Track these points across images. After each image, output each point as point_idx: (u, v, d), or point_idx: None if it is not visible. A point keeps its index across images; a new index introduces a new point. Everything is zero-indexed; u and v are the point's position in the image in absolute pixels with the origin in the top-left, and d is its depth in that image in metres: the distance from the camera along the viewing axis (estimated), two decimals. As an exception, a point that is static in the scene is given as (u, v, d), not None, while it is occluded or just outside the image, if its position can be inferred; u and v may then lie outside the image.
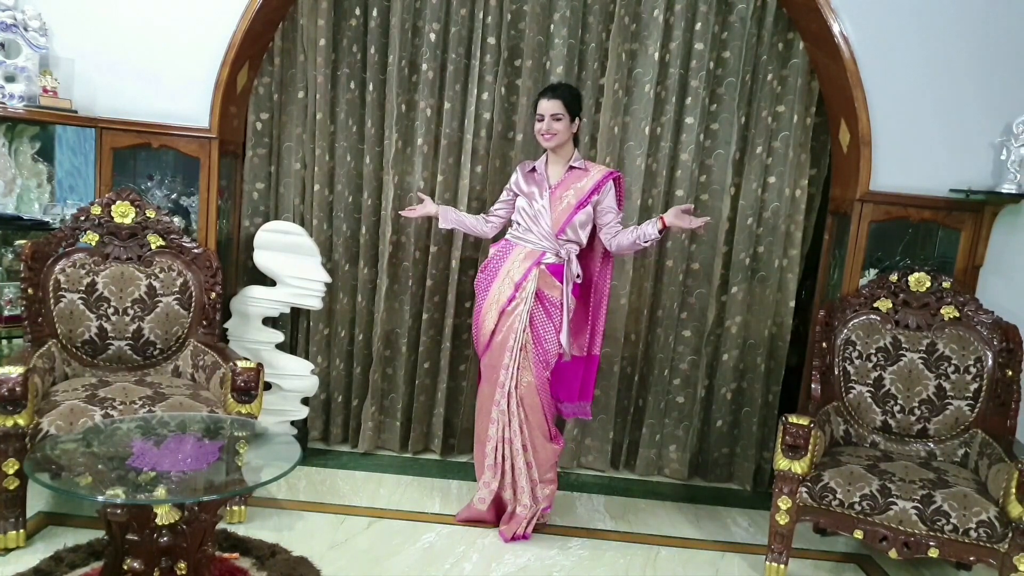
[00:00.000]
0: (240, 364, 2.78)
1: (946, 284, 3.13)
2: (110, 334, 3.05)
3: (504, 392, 2.96)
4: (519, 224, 3.06)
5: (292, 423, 3.56)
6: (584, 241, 3.03)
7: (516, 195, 3.11)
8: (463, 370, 3.81)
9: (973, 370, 3.03)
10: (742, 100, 3.59)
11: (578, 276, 3.03)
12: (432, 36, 3.54)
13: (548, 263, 2.98)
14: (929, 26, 3.25)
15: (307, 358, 3.67)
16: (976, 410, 3.01)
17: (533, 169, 3.10)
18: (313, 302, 3.53)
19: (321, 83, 3.55)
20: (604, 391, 3.77)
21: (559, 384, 3.11)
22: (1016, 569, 2.50)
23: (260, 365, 2.85)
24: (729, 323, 3.74)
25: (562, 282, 2.98)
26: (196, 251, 3.23)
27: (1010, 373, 2.97)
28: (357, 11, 3.57)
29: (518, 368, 2.96)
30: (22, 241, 3.21)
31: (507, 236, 3.10)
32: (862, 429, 3.13)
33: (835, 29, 3.25)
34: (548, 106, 2.94)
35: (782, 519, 2.78)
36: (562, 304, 2.96)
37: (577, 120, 3.00)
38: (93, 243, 3.10)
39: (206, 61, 3.31)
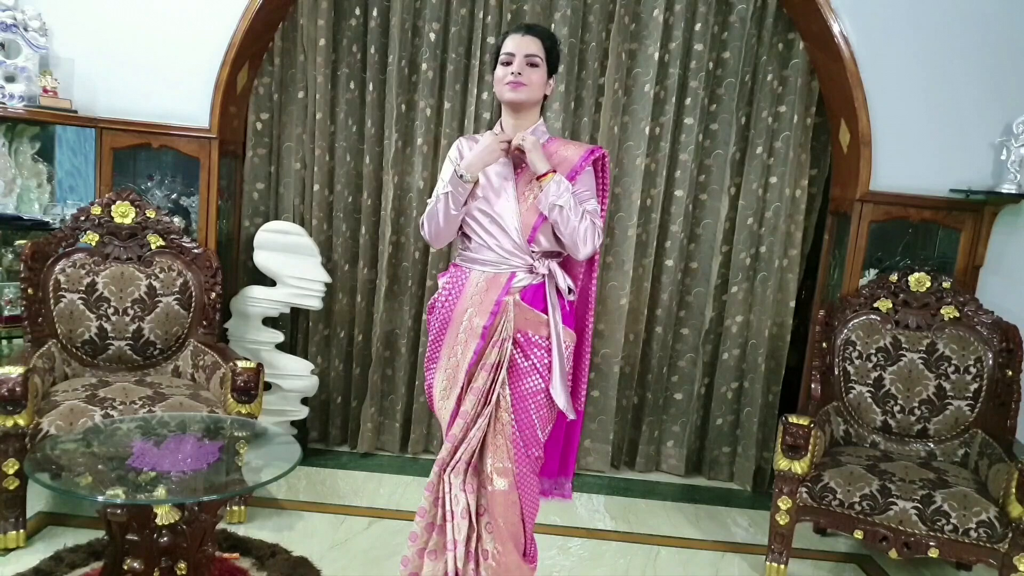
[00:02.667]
0: (240, 364, 2.78)
1: (946, 284, 3.13)
2: (110, 334, 3.05)
3: (457, 478, 2.07)
4: (472, 237, 2.16)
5: (292, 423, 3.56)
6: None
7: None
8: (463, 370, 3.80)
9: (973, 370, 3.02)
10: (742, 100, 3.59)
11: (571, 291, 2.18)
12: (432, 36, 3.54)
13: (521, 286, 2.12)
14: (929, 26, 3.25)
15: (306, 358, 3.67)
16: (976, 410, 3.01)
17: None
18: (313, 302, 3.53)
19: (321, 83, 3.55)
20: (603, 391, 3.77)
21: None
22: (1016, 569, 2.50)
23: (260, 365, 2.85)
24: (729, 322, 3.74)
25: (546, 310, 2.10)
26: (196, 251, 3.23)
27: (1010, 373, 2.97)
28: (357, 11, 3.57)
29: (491, 453, 2.08)
30: (22, 241, 3.21)
31: (455, 259, 2.28)
32: (862, 429, 3.13)
33: (835, 29, 3.24)
34: (523, 44, 2.11)
35: (782, 519, 2.77)
36: (550, 345, 2.11)
37: (553, 79, 2.21)
38: (93, 243, 3.10)
39: (206, 61, 3.31)
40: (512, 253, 2.12)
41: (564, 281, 2.15)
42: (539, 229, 2.12)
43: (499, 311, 2.10)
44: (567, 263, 2.24)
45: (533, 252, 2.13)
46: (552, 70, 2.18)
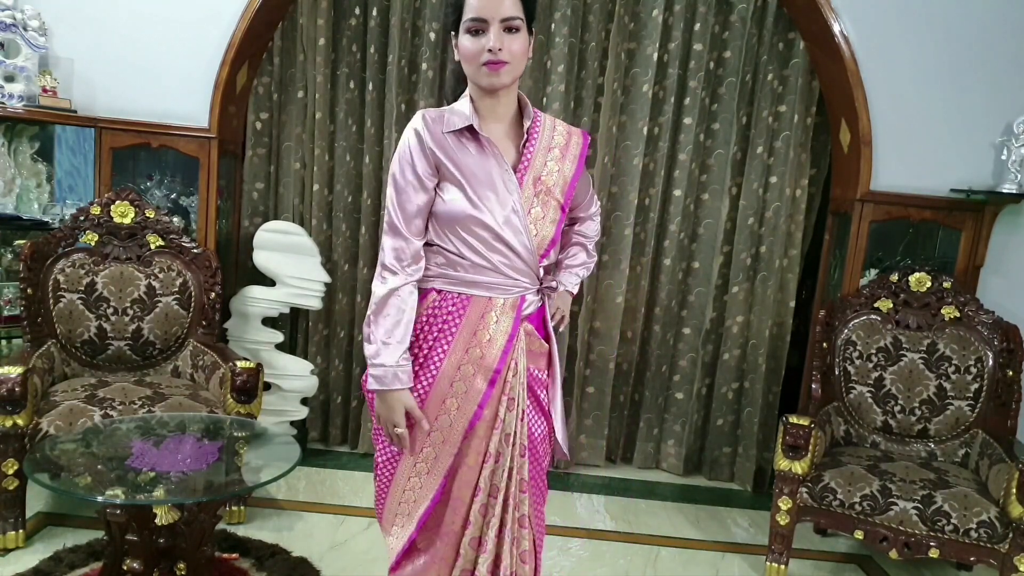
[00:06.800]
0: (240, 364, 2.78)
1: (947, 284, 3.13)
2: (109, 334, 3.05)
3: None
4: (465, 255, 1.63)
5: (291, 423, 3.56)
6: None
7: (434, 187, 1.64)
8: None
9: (974, 370, 3.02)
10: (742, 100, 3.59)
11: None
12: (432, 36, 3.54)
13: (528, 312, 1.70)
14: (930, 26, 3.25)
15: (306, 358, 3.66)
16: (977, 410, 3.01)
17: (468, 128, 1.60)
18: (312, 302, 3.52)
19: (321, 83, 3.55)
20: (599, 388, 3.78)
21: None
22: (1016, 569, 2.50)
23: (260, 365, 2.85)
24: (730, 322, 3.74)
25: (548, 337, 1.76)
26: (196, 251, 3.22)
27: (1011, 373, 2.96)
28: (357, 10, 3.57)
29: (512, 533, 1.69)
30: (21, 241, 3.20)
31: (431, 283, 1.68)
32: (863, 429, 3.13)
33: (835, 29, 3.24)
34: (493, 3, 1.51)
35: (783, 519, 2.77)
36: (549, 375, 1.77)
37: (533, 34, 1.64)
38: (92, 243, 3.09)
39: (205, 61, 3.31)
40: (522, 272, 1.66)
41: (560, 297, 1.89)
42: (556, 239, 1.71)
43: (512, 344, 1.65)
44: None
45: (542, 267, 1.71)
46: (531, 25, 1.60)
